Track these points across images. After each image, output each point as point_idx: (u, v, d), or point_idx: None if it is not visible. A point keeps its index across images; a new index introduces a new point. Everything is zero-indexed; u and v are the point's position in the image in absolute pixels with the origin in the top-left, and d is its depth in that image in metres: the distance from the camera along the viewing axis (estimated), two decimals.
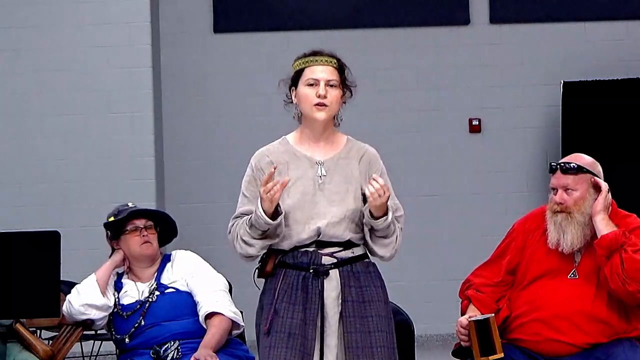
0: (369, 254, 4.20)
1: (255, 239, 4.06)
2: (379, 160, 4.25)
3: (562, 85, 9.39)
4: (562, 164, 4.53)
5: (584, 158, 4.57)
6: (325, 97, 4.08)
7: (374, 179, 4.00)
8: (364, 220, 4.09)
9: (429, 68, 9.68)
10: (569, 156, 4.61)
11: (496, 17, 9.71)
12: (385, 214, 4.05)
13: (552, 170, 4.56)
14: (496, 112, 9.70)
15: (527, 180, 9.67)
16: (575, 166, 4.50)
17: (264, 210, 3.97)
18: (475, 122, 9.70)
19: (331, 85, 4.11)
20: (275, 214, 3.99)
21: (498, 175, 9.69)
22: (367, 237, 4.12)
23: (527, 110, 9.68)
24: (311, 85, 4.10)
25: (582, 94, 9.37)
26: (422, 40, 9.69)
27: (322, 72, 4.11)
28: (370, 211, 4.03)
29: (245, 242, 4.07)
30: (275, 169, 4.01)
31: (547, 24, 9.73)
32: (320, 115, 4.10)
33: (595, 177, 4.51)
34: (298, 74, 4.13)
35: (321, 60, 4.12)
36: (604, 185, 4.49)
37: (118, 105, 8.92)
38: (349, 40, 9.37)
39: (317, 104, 4.08)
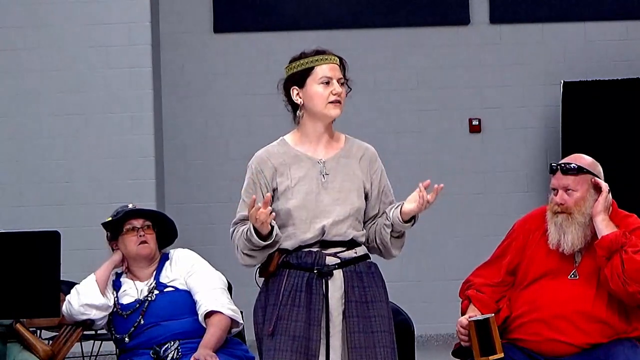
0: (370, 255, 4.21)
1: (255, 250, 4.06)
2: (378, 159, 4.27)
3: (562, 85, 9.39)
4: (563, 165, 4.53)
5: (584, 158, 4.56)
6: (340, 94, 4.10)
7: (424, 187, 4.04)
8: (389, 223, 4.10)
9: (429, 68, 9.69)
10: (569, 157, 4.61)
11: (496, 17, 9.71)
12: (414, 217, 4.10)
13: (553, 171, 4.56)
14: (496, 112, 9.70)
15: (527, 180, 9.67)
16: (576, 167, 4.50)
17: (257, 231, 3.98)
18: (475, 122, 9.70)
19: (341, 84, 4.13)
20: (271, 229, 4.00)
21: (498, 175, 9.69)
22: (386, 240, 4.13)
23: (527, 110, 9.69)
24: (324, 83, 4.10)
25: (582, 94, 9.37)
26: (422, 40, 9.70)
27: (333, 70, 4.12)
28: (400, 215, 4.06)
29: (246, 255, 4.08)
30: (256, 199, 3.98)
31: (547, 24, 9.73)
32: (336, 112, 4.10)
33: (596, 178, 4.51)
34: (305, 73, 4.11)
35: (330, 59, 4.13)
36: (605, 186, 4.49)
37: (118, 105, 8.92)
38: (349, 40, 9.37)
39: (333, 102, 4.09)
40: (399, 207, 4.10)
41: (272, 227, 3.99)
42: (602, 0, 9.70)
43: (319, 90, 4.09)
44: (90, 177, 8.89)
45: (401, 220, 4.08)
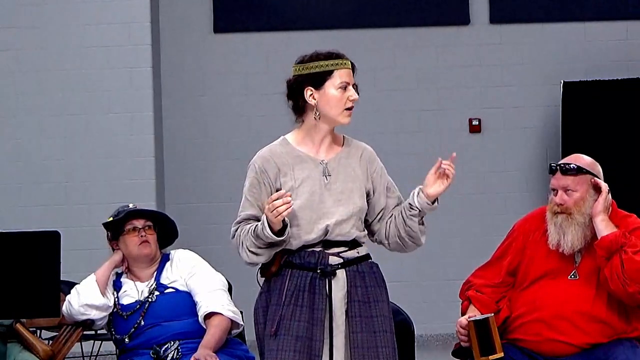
0: (371, 255, 4.21)
1: (262, 248, 4.06)
2: (377, 159, 4.28)
3: (562, 85, 9.39)
4: (562, 165, 4.53)
5: (584, 159, 4.56)
6: (355, 101, 4.12)
7: (445, 163, 4.12)
8: (415, 212, 4.12)
9: (429, 68, 9.69)
10: (568, 157, 4.61)
11: (496, 17, 9.71)
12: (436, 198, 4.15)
13: (552, 171, 4.56)
14: (496, 112, 9.71)
15: (527, 180, 9.67)
16: (575, 167, 4.50)
17: (270, 226, 3.97)
18: (475, 122, 9.70)
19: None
20: (282, 226, 4.00)
21: (498, 175, 9.69)
22: (415, 229, 4.15)
23: (527, 110, 9.69)
24: (342, 88, 4.09)
25: (582, 94, 9.37)
26: (422, 40, 9.70)
27: (349, 75, 4.13)
28: (427, 199, 4.11)
29: (252, 252, 4.07)
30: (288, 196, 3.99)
31: (547, 24, 9.73)
32: (348, 120, 4.13)
33: (595, 178, 4.51)
34: (324, 75, 4.09)
35: (347, 64, 4.13)
36: (604, 186, 4.49)
37: (118, 105, 8.92)
38: (349, 40, 9.36)
39: (349, 108, 4.11)
40: (419, 194, 4.13)
41: (285, 224, 3.99)
42: (602, 0, 9.70)
43: (337, 95, 4.09)
44: (90, 177, 8.89)
45: (429, 203, 4.11)
